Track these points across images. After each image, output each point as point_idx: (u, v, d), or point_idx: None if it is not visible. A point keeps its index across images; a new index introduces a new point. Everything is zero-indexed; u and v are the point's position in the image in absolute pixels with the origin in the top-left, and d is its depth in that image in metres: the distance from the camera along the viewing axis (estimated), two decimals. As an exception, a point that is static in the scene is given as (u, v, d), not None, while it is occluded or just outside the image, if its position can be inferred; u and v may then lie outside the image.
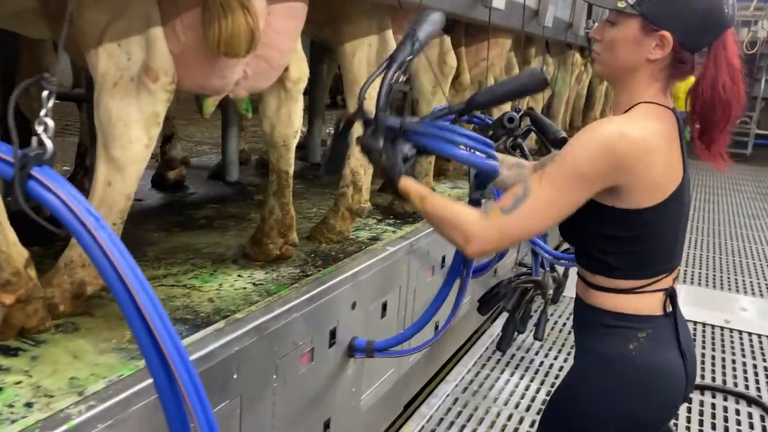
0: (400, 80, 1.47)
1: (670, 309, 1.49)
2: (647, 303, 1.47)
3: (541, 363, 4.09)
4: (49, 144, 0.94)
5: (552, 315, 4.82)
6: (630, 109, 1.40)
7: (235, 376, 1.52)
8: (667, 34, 1.35)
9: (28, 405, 1.31)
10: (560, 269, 4.99)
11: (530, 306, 4.43)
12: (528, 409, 3.54)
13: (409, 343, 2.09)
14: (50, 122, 0.95)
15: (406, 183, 1.43)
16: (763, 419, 3.58)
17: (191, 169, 3.91)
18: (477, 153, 1.42)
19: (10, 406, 1.31)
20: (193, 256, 2.32)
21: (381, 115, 1.37)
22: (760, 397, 3.81)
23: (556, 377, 3.92)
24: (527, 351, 4.24)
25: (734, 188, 10.90)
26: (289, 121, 2.07)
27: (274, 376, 1.68)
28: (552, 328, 4.61)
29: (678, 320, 1.51)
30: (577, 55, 5.18)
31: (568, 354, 4.24)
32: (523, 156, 2.62)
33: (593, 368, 1.53)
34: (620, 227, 1.41)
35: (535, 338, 4.25)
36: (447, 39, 2.94)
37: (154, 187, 3.49)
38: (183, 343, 1.54)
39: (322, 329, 1.90)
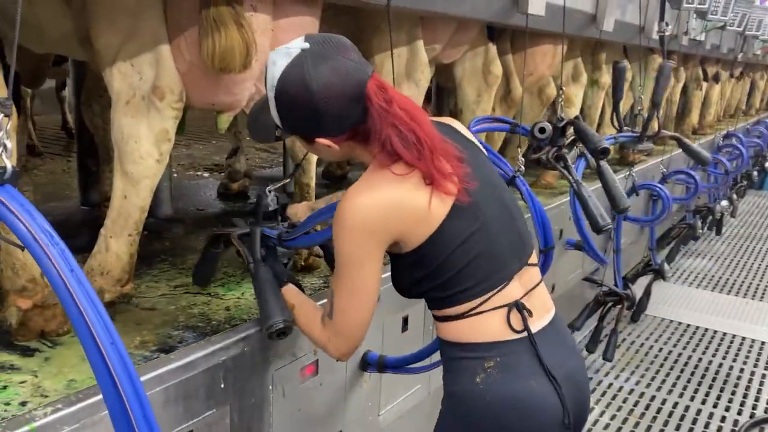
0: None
1: (520, 326, 1.40)
2: (489, 325, 1.40)
3: (610, 385, 3.87)
4: (8, 165, 1.01)
5: (630, 333, 4.57)
6: (372, 161, 1.43)
7: (222, 386, 1.55)
8: (321, 140, 1.40)
9: (23, 404, 1.40)
10: (640, 288, 4.72)
11: (601, 325, 4.22)
12: (586, 433, 3.37)
13: (431, 358, 2.04)
14: (8, 143, 1.02)
15: (285, 292, 1.64)
16: None
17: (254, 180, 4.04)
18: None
19: (7, 404, 1.40)
20: (227, 265, 2.40)
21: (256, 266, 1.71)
22: None
23: (624, 401, 3.71)
24: (596, 372, 4.04)
25: None
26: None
27: (270, 387, 1.69)
28: (627, 349, 4.36)
29: (536, 340, 1.40)
30: (659, 60, 4.88)
31: (641, 377, 3.99)
32: (566, 168, 2.50)
33: (447, 410, 1.47)
34: (419, 267, 1.41)
35: (605, 359, 4.04)
36: (492, 47, 2.86)
37: (219, 197, 3.64)
38: (172, 354, 1.60)
39: (328, 342, 1.90)
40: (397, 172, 1.37)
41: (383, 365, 2.03)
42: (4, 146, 1.01)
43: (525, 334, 1.40)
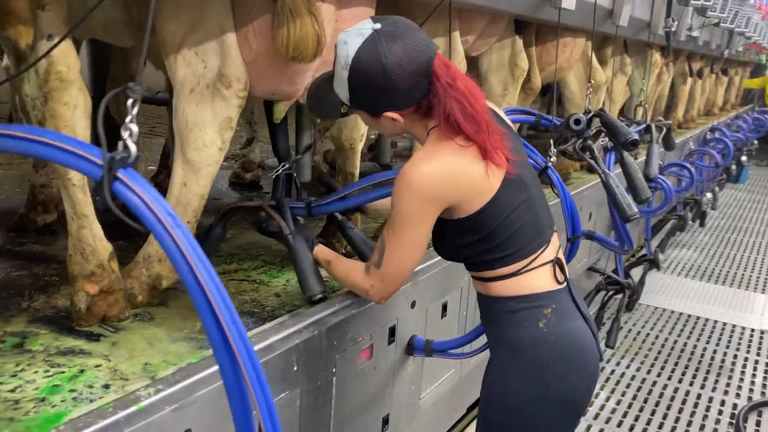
0: None
1: (562, 279, 1.60)
2: (540, 279, 1.58)
3: (612, 371, 3.99)
4: (133, 148, 1.03)
5: (626, 322, 4.70)
6: (428, 138, 1.55)
7: (295, 368, 1.59)
8: (388, 114, 1.51)
9: (106, 387, 1.42)
10: (635, 276, 4.86)
11: (602, 313, 4.34)
12: (596, 417, 3.47)
13: (470, 345, 2.10)
14: (135, 128, 1.03)
15: (317, 253, 1.82)
16: None
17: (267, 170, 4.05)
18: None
19: (90, 386, 1.42)
20: (263, 253, 2.42)
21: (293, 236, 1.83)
22: None
23: (627, 386, 3.82)
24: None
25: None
26: (356, 124, 2.13)
27: (334, 370, 1.74)
28: (625, 336, 4.49)
29: (572, 288, 1.63)
30: (657, 55, 5.01)
31: (641, 363, 4.12)
32: (593, 158, 2.57)
33: (510, 357, 1.59)
34: (473, 231, 1.55)
35: (607, 346, 4.16)
36: (519, 40, 2.92)
37: (231, 186, 3.64)
38: (248, 335, 1.63)
39: (381, 326, 1.95)
40: (460, 143, 1.49)
41: (430, 349, 2.08)
42: (131, 130, 1.03)
43: (565, 284, 1.61)
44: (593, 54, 3.97)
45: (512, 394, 1.58)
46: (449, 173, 1.49)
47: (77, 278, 1.66)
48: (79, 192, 1.56)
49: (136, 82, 1.04)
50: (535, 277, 1.57)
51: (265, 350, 1.53)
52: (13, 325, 1.73)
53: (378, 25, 1.46)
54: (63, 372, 1.49)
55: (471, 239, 1.56)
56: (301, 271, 1.78)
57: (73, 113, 1.46)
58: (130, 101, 1.02)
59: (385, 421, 2.05)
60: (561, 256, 1.65)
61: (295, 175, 2.06)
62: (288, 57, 1.62)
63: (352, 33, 1.48)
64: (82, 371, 1.50)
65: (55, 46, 1.22)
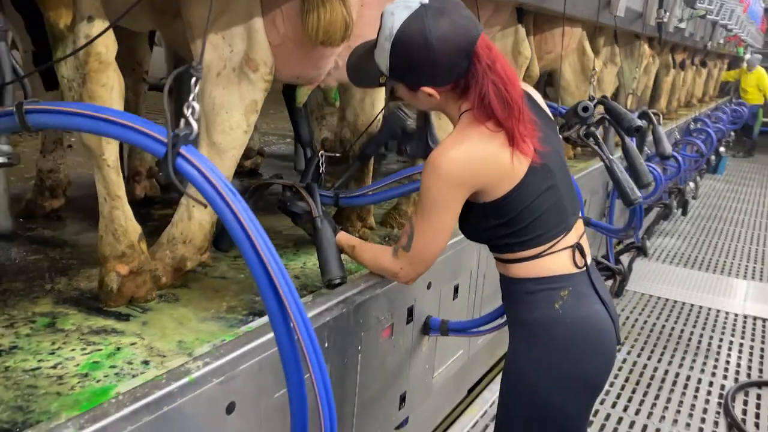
0: None
1: (582, 263, 1.63)
2: (559, 263, 1.61)
3: (604, 354, 4.09)
4: (194, 125, 1.06)
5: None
6: (459, 121, 1.59)
7: (326, 345, 1.63)
8: (426, 89, 1.54)
9: (145, 363, 1.45)
10: (624, 262, 4.97)
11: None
12: (591, 398, 3.57)
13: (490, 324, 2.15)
14: (197, 106, 1.07)
15: (340, 239, 1.85)
16: (836, 418, 3.51)
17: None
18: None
19: (130, 363, 1.45)
20: (275, 238, 2.43)
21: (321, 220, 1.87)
22: (832, 395, 3.73)
23: (619, 369, 3.92)
24: (589, 342, 4.25)
25: (807, 184, 10.48)
26: (372, 110, 2.17)
27: (359, 347, 1.79)
28: (614, 321, 4.60)
29: (591, 273, 1.66)
30: (645, 46, 5.11)
31: (631, 347, 4.23)
32: (597, 144, 2.64)
33: (527, 338, 1.63)
34: (497, 215, 1.59)
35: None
36: (521, 29, 2.98)
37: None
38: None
39: (400, 306, 2.00)
40: (490, 128, 1.53)
41: (446, 329, 2.14)
42: (193, 108, 1.06)
43: (584, 269, 1.65)
44: (586, 43, 4.06)
45: (528, 373, 1.63)
46: (477, 159, 1.52)
47: (108, 259, 1.68)
48: (113, 173, 1.58)
49: (198, 62, 1.07)
50: (553, 261, 1.61)
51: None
52: (41, 306, 1.75)
53: (426, 0, 1.48)
54: (100, 350, 1.52)
55: (494, 223, 1.60)
56: (324, 255, 1.81)
57: (110, 94, 1.48)
58: (193, 80, 1.05)
59: (402, 399, 2.11)
60: (583, 242, 1.68)
61: (323, 166, 2.10)
62: (317, 42, 1.65)
63: (399, 5, 1.49)
64: (118, 349, 1.53)
65: (107, 29, 1.24)
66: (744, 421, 3.43)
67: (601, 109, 2.76)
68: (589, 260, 1.68)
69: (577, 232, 1.68)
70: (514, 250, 1.62)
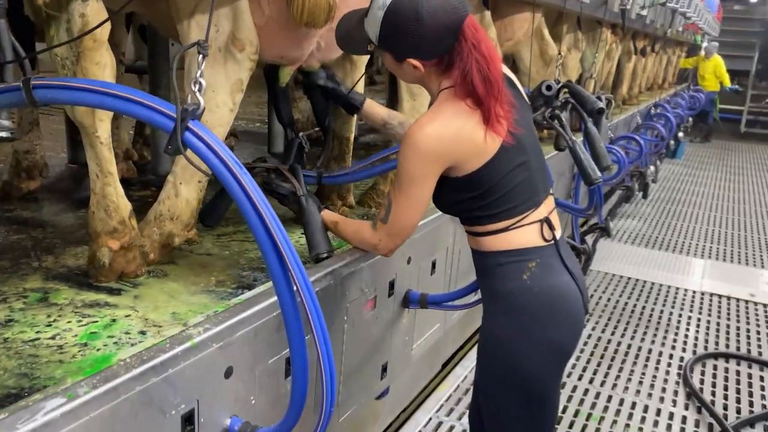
0: None
1: (549, 237, 1.71)
2: (527, 236, 1.69)
3: (570, 330, 4.25)
4: (201, 101, 1.11)
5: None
6: (437, 97, 1.66)
7: (315, 315, 1.70)
8: (412, 61, 1.61)
9: (142, 333, 1.50)
10: (589, 242, 5.14)
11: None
12: (558, 371, 3.71)
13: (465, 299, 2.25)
14: (204, 81, 1.12)
15: (324, 215, 1.91)
16: (786, 386, 3.73)
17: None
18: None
19: (127, 333, 1.50)
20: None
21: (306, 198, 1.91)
22: (783, 364, 3.95)
23: (585, 344, 4.08)
24: (556, 319, 4.40)
25: (760, 168, 10.89)
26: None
27: (345, 318, 1.86)
28: (580, 299, 4.76)
29: (560, 246, 1.74)
30: (608, 33, 5.26)
31: (596, 323, 4.39)
32: (562, 127, 2.75)
33: (499, 308, 1.72)
34: (470, 189, 1.66)
35: (565, 307, 4.42)
36: (487, 14, 3.06)
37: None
38: (267, 286, 1.73)
39: (383, 280, 2.08)
40: (468, 105, 1.61)
41: (425, 302, 2.23)
42: (200, 84, 1.11)
43: (552, 242, 1.72)
44: (545, 29, 4.17)
45: (502, 341, 1.72)
46: (451, 135, 1.60)
47: (100, 234, 1.72)
48: (106, 150, 1.61)
49: (204, 40, 1.12)
50: (522, 234, 1.69)
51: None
52: (31, 283, 1.78)
53: None
54: (96, 321, 1.56)
55: (466, 196, 1.69)
56: (311, 231, 1.87)
57: (104, 72, 1.51)
58: (200, 57, 1.10)
59: (384, 368, 2.19)
60: (553, 217, 1.76)
61: (306, 145, 2.15)
62: (301, 23, 1.70)
63: None
64: (114, 320, 1.57)
65: (114, 15, 1.28)
66: (701, 389, 3.62)
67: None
68: (558, 234, 1.75)
69: (547, 207, 1.76)
70: (484, 223, 1.71)
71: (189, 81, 1.25)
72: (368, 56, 2.20)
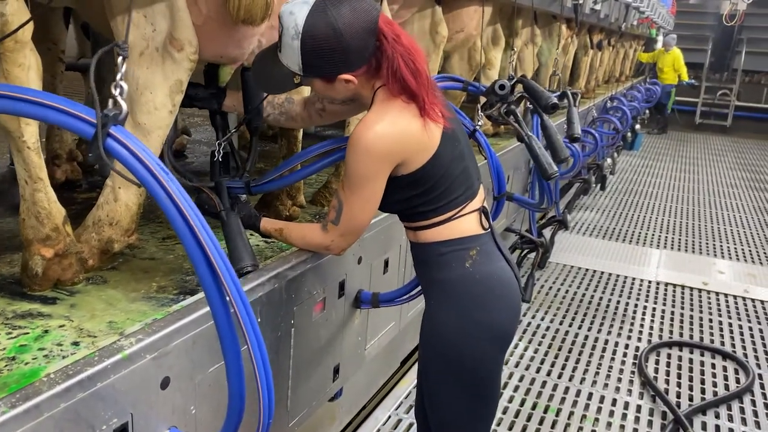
0: None
1: (487, 225, 1.76)
2: (468, 225, 1.72)
3: (529, 323, 4.29)
4: (124, 105, 1.06)
5: (538, 279, 5.03)
6: (375, 98, 1.65)
7: (259, 320, 1.66)
8: (343, 76, 1.59)
9: (75, 344, 1.44)
10: (547, 235, 5.20)
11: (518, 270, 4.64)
12: (517, 365, 3.74)
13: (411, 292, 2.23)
14: (125, 85, 1.07)
15: (265, 225, 1.88)
16: (737, 372, 3.82)
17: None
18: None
19: (59, 344, 1.44)
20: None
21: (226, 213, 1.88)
22: (734, 352, 4.05)
23: (543, 336, 4.13)
24: (515, 312, 4.44)
25: (714, 159, 11.16)
26: (299, 88, 2.19)
27: (292, 321, 1.83)
28: (539, 292, 4.81)
29: (495, 235, 1.79)
30: (564, 27, 5.30)
31: (554, 315, 4.45)
32: (517, 122, 2.76)
33: (442, 295, 1.74)
34: (414, 186, 1.67)
35: (523, 300, 4.46)
36: (438, 9, 3.04)
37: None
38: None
39: (332, 281, 2.05)
40: (404, 101, 1.61)
41: (377, 301, 2.21)
42: (121, 87, 1.07)
43: (489, 230, 1.77)
44: (499, 24, 4.17)
45: (446, 328, 1.73)
46: (400, 132, 1.60)
47: (32, 242, 1.65)
48: (34, 155, 1.55)
49: (124, 41, 1.07)
50: (463, 223, 1.72)
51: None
52: (-40, 293, 1.70)
53: None
54: (27, 333, 1.50)
55: (410, 194, 1.69)
56: (232, 246, 1.81)
57: (28, 74, 1.45)
58: (120, 59, 1.06)
59: (336, 370, 2.17)
60: (486, 205, 1.81)
61: (234, 150, 2.08)
62: (238, 21, 1.66)
63: (296, 4, 1.54)
64: (46, 331, 1.51)
65: (39, 11, 1.22)
66: (656, 378, 3.69)
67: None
68: (491, 222, 1.80)
69: (480, 196, 1.79)
70: (428, 217, 1.72)
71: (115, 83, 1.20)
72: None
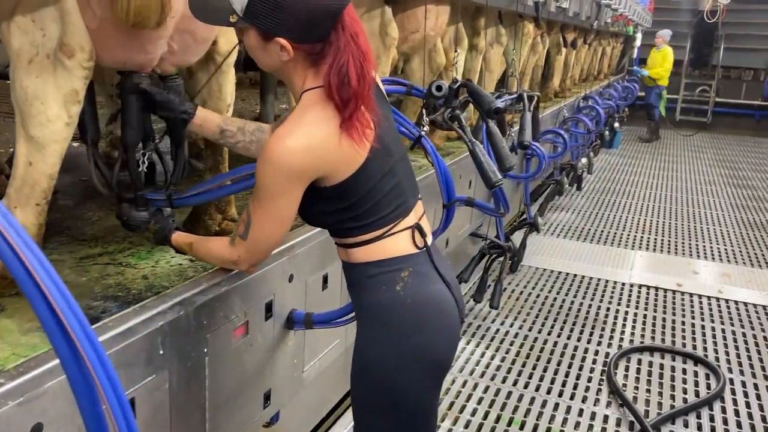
0: None
1: (421, 243, 1.62)
2: (398, 244, 1.59)
3: (497, 330, 4.16)
4: None
5: (509, 283, 4.91)
6: (299, 100, 1.50)
7: (161, 351, 1.52)
8: (281, 40, 1.42)
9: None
10: (516, 241, 5.08)
11: (487, 276, 4.51)
12: (482, 375, 3.61)
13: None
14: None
15: (176, 239, 1.81)
16: (707, 377, 3.71)
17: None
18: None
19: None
20: (131, 235, 2.30)
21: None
22: (706, 356, 3.95)
23: (511, 344, 4.00)
24: (483, 319, 4.32)
25: (693, 156, 11.12)
26: (221, 95, 2.05)
27: (206, 350, 1.69)
28: (509, 297, 4.69)
29: (432, 253, 1.64)
30: (530, 26, 5.19)
31: (524, 321, 4.32)
32: (461, 128, 2.63)
33: (372, 321, 1.60)
34: (340, 200, 1.53)
35: (491, 307, 4.34)
36: (388, 10, 2.92)
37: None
38: (108, 320, 1.55)
39: (256, 302, 1.91)
40: (330, 111, 1.45)
41: (310, 322, 2.07)
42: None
43: (424, 249, 1.63)
44: (462, 24, 4.05)
45: (375, 358, 1.59)
46: (316, 146, 1.45)
47: None
48: None
49: None
50: (393, 242, 1.59)
51: (124, 334, 1.45)
52: None
53: None
54: None
55: (335, 207, 1.55)
56: None
57: None
58: None
59: (267, 396, 2.03)
60: (424, 222, 1.67)
61: (160, 158, 1.96)
62: (130, 24, 1.52)
63: None
64: None
65: None
66: (625, 386, 3.57)
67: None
68: (429, 241, 1.65)
69: (417, 213, 1.66)
70: (355, 234, 1.59)
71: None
72: (234, 57, 2.02)
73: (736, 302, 4.81)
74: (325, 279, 2.30)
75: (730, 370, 3.81)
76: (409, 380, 1.58)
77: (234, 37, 1.99)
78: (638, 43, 13.49)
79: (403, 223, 1.60)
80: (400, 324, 1.57)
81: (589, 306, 4.65)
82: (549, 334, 4.18)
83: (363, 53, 1.46)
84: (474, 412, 3.27)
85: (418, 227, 1.62)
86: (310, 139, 1.44)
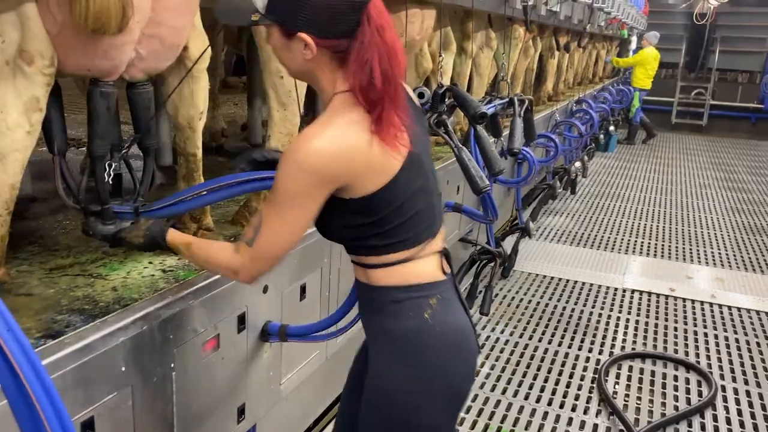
0: None
1: (448, 270, 1.55)
2: (428, 269, 1.50)
3: (487, 338, 4.11)
4: None
5: (501, 289, 4.86)
6: (330, 103, 1.42)
7: (123, 368, 1.47)
8: (304, 36, 1.36)
9: None
10: (508, 246, 5.03)
11: (477, 282, 4.47)
12: (470, 384, 3.57)
13: (336, 326, 2.03)
14: None
15: (171, 238, 1.62)
16: (699, 384, 3.67)
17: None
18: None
19: None
20: (104, 245, 2.25)
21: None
22: (698, 362, 3.90)
23: (501, 351, 3.96)
24: (473, 326, 4.26)
25: (689, 159, 11.09)
26: (192, 101, 2.00)
27: (173, 365, 1.64)
28: (500, 303, 4.64)
29: (455, 281, 1.58)
30: (520, 30, 5.16)
31: (514, 328, 4.28)
32: (447, 133, 2.59)
33: (395, 347, 1.50)
34: (366, 214, 1.43)
35: (481, 313, 4.29)
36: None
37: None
38: (67, 336, 1.50)
39: (227, 315, 1.86)
40: (360, 114, 1.37)
41: (284, 334, 2.02)
42: None
43: (450, 276, 1.55)
44: (450, 27, 4.01)
45: (397, 390, 1.49)
46: (346, 150, 1.35)
47: None
48: None
49: None
50: (423, 266, 1.49)
51: (82, 351, 1.40)
52: None
53: None
54: None
55: (362, 221, 1.44)
56: None
57: None
58: None
59: (241, 411, 1.98)
60: (447, 247, 1.58)
61: (131, 170, 1.91)
62: (88, 30, 1.48)
63: None
64: None
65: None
66: (616, 393, 3.52)
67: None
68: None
69: (442, 236, 1.57)
70: (381, 253, 1.47)
71: None
72: (206, 63, 1.97)
73: (729, 307, 4.77)
74: (303, 289, 2.25)
75: (722, 377, 3.76)
76: (431, 410, 1.51)
77: (204, 42, 1.95)
78: (633, 46, 13.47)
79: (431, 246, 1.51)
80: (427, 353, 1.48)
81: (581, 312, 4.60)
82: (540, 341, 4.13)
83: (390, 48, 1.36)
84: (461, 422, 3.21)
85: (445, 252, 1.54)
86: (340, 142, 1.35)
